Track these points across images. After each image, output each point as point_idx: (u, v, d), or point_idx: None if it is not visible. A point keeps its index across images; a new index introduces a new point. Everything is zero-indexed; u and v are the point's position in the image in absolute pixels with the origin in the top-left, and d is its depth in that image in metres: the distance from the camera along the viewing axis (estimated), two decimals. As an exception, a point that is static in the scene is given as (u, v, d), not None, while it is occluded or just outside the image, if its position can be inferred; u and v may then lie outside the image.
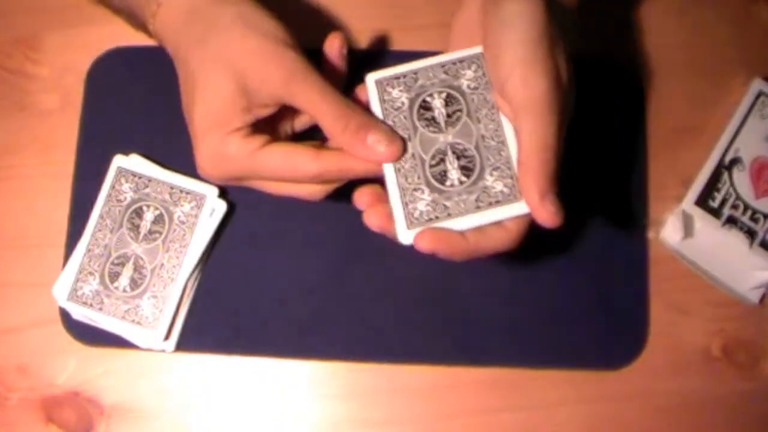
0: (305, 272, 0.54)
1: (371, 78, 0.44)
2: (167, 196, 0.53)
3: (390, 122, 0.43)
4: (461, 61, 0.44)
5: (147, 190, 0.53)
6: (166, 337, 0.52)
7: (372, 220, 0.42)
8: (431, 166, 0.42)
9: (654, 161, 0.56)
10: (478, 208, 0.41)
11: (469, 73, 0.44)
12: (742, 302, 0.54)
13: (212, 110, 0.41)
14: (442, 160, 0.42)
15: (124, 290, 0.52)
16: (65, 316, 0.53)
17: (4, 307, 0.54)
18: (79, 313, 0.52)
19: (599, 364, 0.53)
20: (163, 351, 0.52)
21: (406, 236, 0.41)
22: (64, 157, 0.56)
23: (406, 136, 0.43)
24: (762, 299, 0.54)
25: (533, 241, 0.55)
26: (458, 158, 0.42)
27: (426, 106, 0.43)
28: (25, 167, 0.56)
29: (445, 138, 0.43)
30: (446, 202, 0.41)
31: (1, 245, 0.55)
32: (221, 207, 0.53)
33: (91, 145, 0.56)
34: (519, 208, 0.41)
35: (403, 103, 0.44)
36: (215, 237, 0.53)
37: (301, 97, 0.41)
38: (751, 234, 0.54)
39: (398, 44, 0.57)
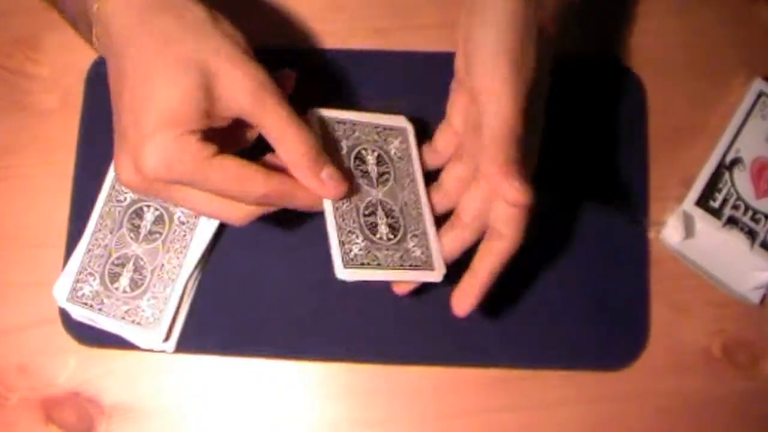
0: (305, 272, 0.54)
1: (315, 114, 0.45)
2: (167, 197, 0.53)
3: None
4: (391, 128, 0.47)
5: (147, 191, 0.53)
6: (167, 338, 0.52)
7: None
8: (364, 215, 0.44)
9: (654, 161, 0.56)
10: (402, 266, 0.44)
11: (396, 143, 0.47)
12: (743, 302, 0.54)
13: (173, 107, 0.38)
14: (374, 213, 0.44)
15: (124, 291, 0.52)
16: (65, 316, 0.53)
17: (4, 307, 0.54)
18: (79, 313, 0.52)
19: (599, 364, 0.53)
20: (164, 351, 0.52)
21: (342, 274, 0.42)
22: (64, 157, 0.56)
23: None
24: (762, 299, 0.54)
25: (533, 241, 0.55)
26: (387, 216, 0.45)
27: (361, 158, 0.45)
28: (25, 167, 0.56)
29: (377, 194, 0.45)
30: (377, 252, 0.43)
31: (1, 245, 0.55)
32: (221, 207, 0.53)
33: (91, 145, 0.56)
34: (433, 276, 0.45)
35: (341, 147, 0.45)
36: (215, 237, 0.53)
37: (267, 112, 0.40)
38: (751, 234, 0.53)
39: (398, 44, 0.57)
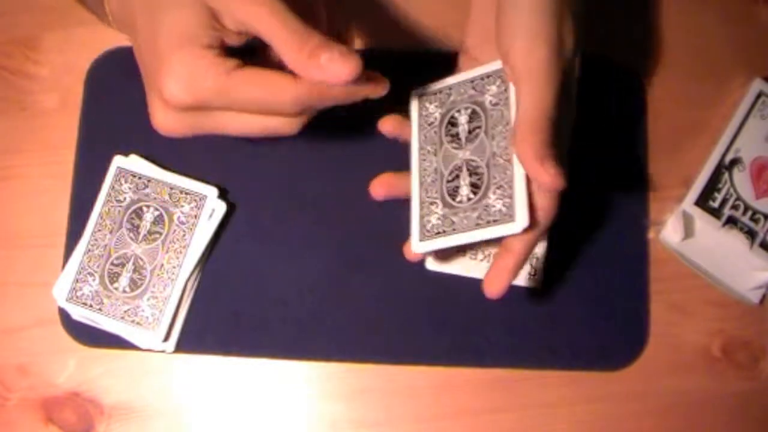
0: (305, 272, 0.54)
1: (413, 94, 0.48)
2: (167, 197, 0.53)
3: (422, 136, 0.47)
4: (488, 75, 0.46)
5: (147, 191, 0.53)
6: (166, 338, 0.52)
7: (377, 190, 0.46)
8: (448, 182, 0.44)
9: (654, 161, 0.56)
10: (478, 225, 0.43)
11: (493, 89, 0.45)
12: (742, 302, 0.54)
13: (179, 27, 0.38)
14: (458, 176, 0.44)
15: (124, 291, 0.52)
16: (65, 316, 0.53)
17: (4, 307, 0.54)
18: (78, 313, 0.52)
19: (599, 364, 0.53)
20: (163, 351, 0.53)
21: (417, 247, 0.44)
22: (64, 157, 0.56)
23: (432, 150, 0.46)
24: (762, 299, 0.54)
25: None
26: (470, 175, 0.44)
27: (453, 122, 0.46)
28: (25, 167, 0.56)
29: (463, 154, 0.45)
30: (453, 217, 0.43)
31: (1, 245, 0.55)
32: (221, 207, 0.53)
33: (91, 145, 0.56)
34: (512, 228, 0.42)
35: (435, 119, 0.46)
36: (215, 237, 0.53)
37: (254, 14, 0.38)
38: (751, 234, 0.53)
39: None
